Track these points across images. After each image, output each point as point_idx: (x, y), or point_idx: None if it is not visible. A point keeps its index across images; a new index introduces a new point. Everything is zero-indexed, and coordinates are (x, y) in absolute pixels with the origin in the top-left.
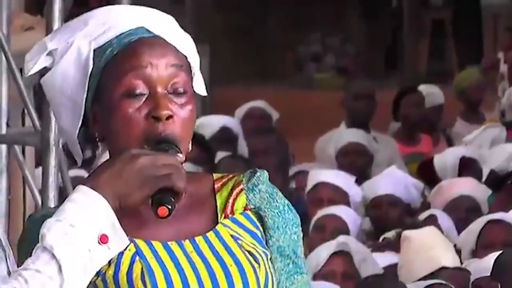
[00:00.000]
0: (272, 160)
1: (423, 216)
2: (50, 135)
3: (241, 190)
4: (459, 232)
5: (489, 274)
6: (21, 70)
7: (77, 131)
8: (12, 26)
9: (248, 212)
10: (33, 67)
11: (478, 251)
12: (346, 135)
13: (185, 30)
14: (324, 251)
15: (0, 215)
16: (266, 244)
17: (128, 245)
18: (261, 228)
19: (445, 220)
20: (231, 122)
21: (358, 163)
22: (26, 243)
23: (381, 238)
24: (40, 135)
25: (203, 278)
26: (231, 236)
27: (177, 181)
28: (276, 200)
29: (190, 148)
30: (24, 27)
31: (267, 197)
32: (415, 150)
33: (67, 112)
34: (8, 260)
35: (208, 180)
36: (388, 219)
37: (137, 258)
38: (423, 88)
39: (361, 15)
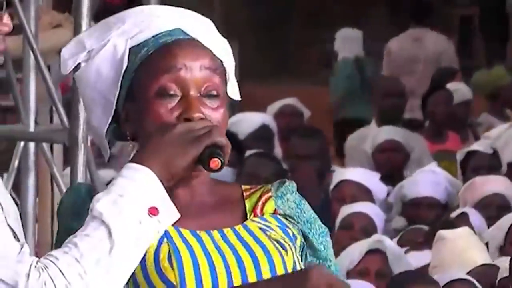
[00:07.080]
0: (313, 165)
1: (455, 213)
2: (79, 132)
3: (270, 197)
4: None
5: None
6: (49, 68)
7: (106, 128)
8: (40, 23)
9: (278, 215)
10: (72, 66)
11: (506, 247)
12: (383, 132)
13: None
14: (358, 248)
15: (29, 212)
16: (306, 243)
17: None
18: (293, 230)
19: (476, 218)
20: (269, 119)
21: (394, 160)
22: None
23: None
24: (68, 133)
25: (230, 262)
26: (260, 228)
27: (218, 136)
28: (304, 212)
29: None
30: (52, 24)
31: (294, 207)
32: (443, 147)
33: (98, 108)
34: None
35: (237, 187)
36: (425, 220)
37: (165, 239)
38: (450, 84)
39: (387, 12)
